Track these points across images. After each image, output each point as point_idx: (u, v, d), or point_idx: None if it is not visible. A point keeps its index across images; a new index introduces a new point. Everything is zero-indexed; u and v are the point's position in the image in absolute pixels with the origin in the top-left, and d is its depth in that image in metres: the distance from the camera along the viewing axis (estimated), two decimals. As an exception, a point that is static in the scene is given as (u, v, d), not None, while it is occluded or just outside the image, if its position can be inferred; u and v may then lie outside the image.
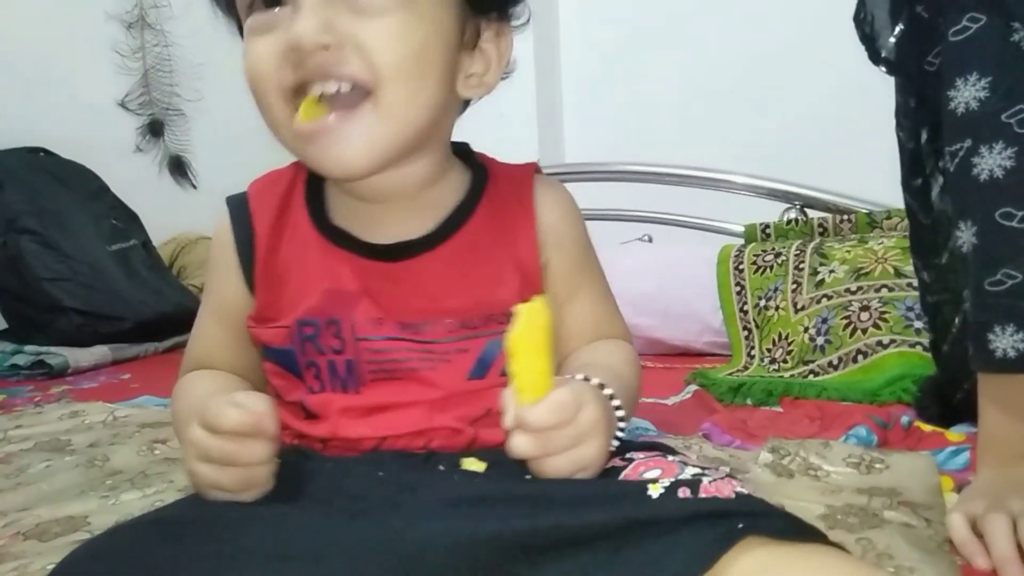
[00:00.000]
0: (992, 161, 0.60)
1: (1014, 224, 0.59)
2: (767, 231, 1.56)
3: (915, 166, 0.75)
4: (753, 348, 1.33)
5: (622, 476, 0.47)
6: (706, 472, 0.46)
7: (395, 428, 0.54)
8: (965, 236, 0.63)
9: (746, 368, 1.28)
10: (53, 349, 1.51)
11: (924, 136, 0.74)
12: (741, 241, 1.58)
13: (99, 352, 1.55)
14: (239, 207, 0.59)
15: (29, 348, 1.52)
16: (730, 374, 1.23)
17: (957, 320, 0.78)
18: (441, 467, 0.50)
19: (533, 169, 0.62)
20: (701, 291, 1.44)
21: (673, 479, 0.44)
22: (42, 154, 1.81)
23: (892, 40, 0.68)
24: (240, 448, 0.45)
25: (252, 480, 0.46)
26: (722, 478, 0.44)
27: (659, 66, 2.07)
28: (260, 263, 0.57)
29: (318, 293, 0.55)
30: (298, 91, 0.50)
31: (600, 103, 2.10)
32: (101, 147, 1.94)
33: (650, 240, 1.85)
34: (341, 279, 0.55)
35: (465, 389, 0.55)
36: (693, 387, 1.13)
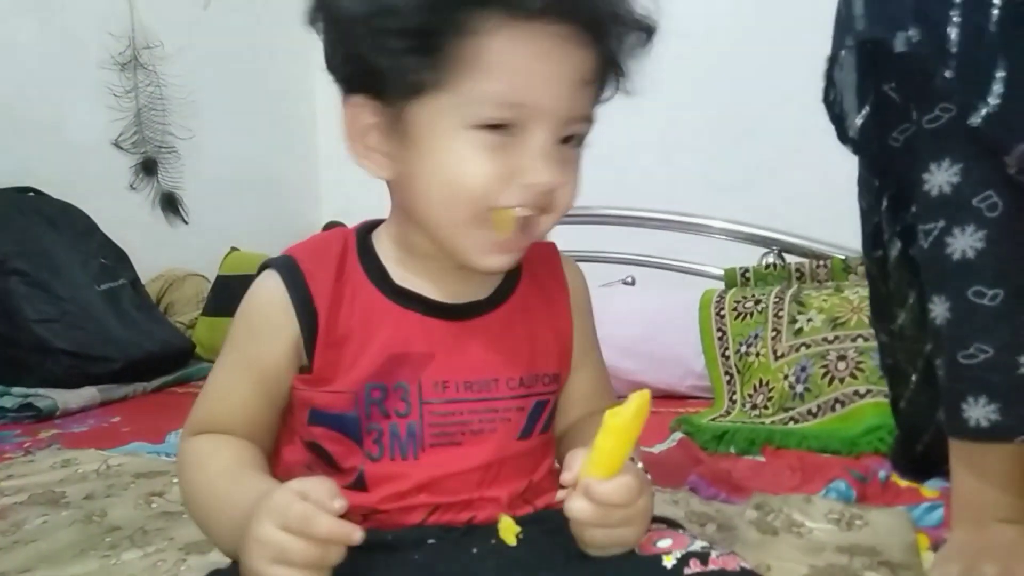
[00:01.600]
0: (964, 242, 0.64)
1: (984, 302, 0.64)
2: (747, 275, 1.61)
3: (876, 238, 0.80)
4: (735, 393, 1.37)
5: (639, 546, 0.51)
6: (712, 547, 0.50)
7: (445, 498, 0.56)
8: (938, 310, 0.67)
9: (728, 413, 1.32)
10: (41, 391, 1.50)
11: (885, 203, 0.78)
12: (722, 285, 1.62)
13: (88, 394, 1.55)
14: (291, 269, 0.58)
15: (16, 390, 1.51)
16: (713, 419, 1.27)
17: (914, 378, 0.82)
18: (475, 550, 0.53)
19: (556, 247, 0.67)
20: (684, 336, 1.48)
21: (685, 551, 0.48)
22: (31, 194, 1.82)
23: (858, 122, 0.72)
24: (327, 553, 0.46)
25: None
26: (728, 553, 0.48)
27: (639, 112, 2.12)
28: (323, 325, 0.57)
29: (385, 356, 0.57)
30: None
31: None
32: (92, 186, 1.96)
33: (632, 282, 1.89)
34: (409, 340, 0.57)
35: (514, 452, 0.58)
36: (678, 434, 1.16)
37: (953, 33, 0.62)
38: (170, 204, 2.21)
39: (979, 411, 0.64)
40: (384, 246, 0.61)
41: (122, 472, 1.06)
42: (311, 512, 0.46)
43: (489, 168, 0.52)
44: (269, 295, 0.58)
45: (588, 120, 0.55)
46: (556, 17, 0.50)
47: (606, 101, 0.58)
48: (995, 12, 0.61)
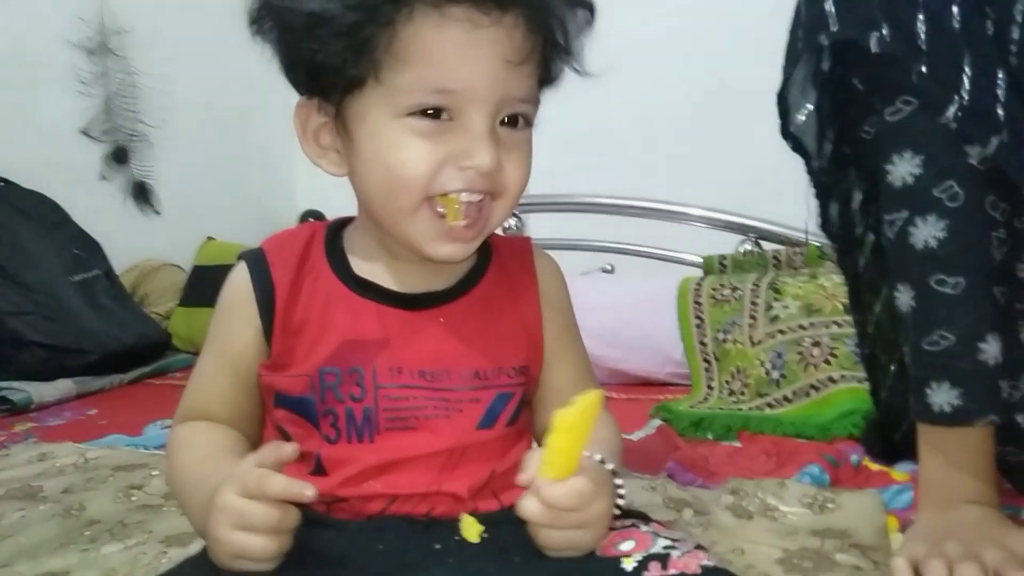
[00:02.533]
0: (926, 232, 0.66)
1: (947, 290, 0.66)
2: (724, 263, 1.63)
3: (848, 233, 0.81)
4: (712, 380, 1.39)
5: (599, 547, 0.52)
6: (676, 545, 0.50)
7: (404, 488, 0.56)
8: (903, 298, 0.69)
9: (706, 399, 1.34)
10: (15, 384, 1.48)
11: (859, 197, 0.79)
12: (700, 272, 1.64)
13: (63, 386, 1.53)
14: (257, 260, 0.61)
15: (-10, 383, 1.49)
16: (691, 406, 1.29)
17: (892, 368, 0.84)
18: (437, 545, 0.53)
19: (530, 241, 0.68)
20: (662, 324, 1.49)
21: (645, 553, 0.48)
22: (1, 184, 1.78)
23: (800, 119, 0.74)
24: (284, 514, 0.48)
25: (283, 547, 0.49)
26: (690, 551, 0.49)
27: (618, 100, 2.13)
28: (280, 312, 0.59)
29: (340, 342, 0.58)
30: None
31: (561, 136, 2.15)
32: (61, 175, 1.92)
33: (612, 270, 1.90)
34: (364, 328, 0.59)
35: (473, 440, 0.58)
36: (656, 421, 1.18)
37: (921, 31, 0.63)
38: (142, 194, 2.18)
39: (942, 396, 0.66)
40: (352, 240, 0.63)
41: (100, 465, 1.05)
42: (264, 474, 0.48)
43: (426, 154, 0.53)
44: (235, 286, 0.62)
45: (529, 101, 0.56)
46: (478, 3, 0.51)
47: (555, 81, 0.59)
48: (955, 9, 0.63)
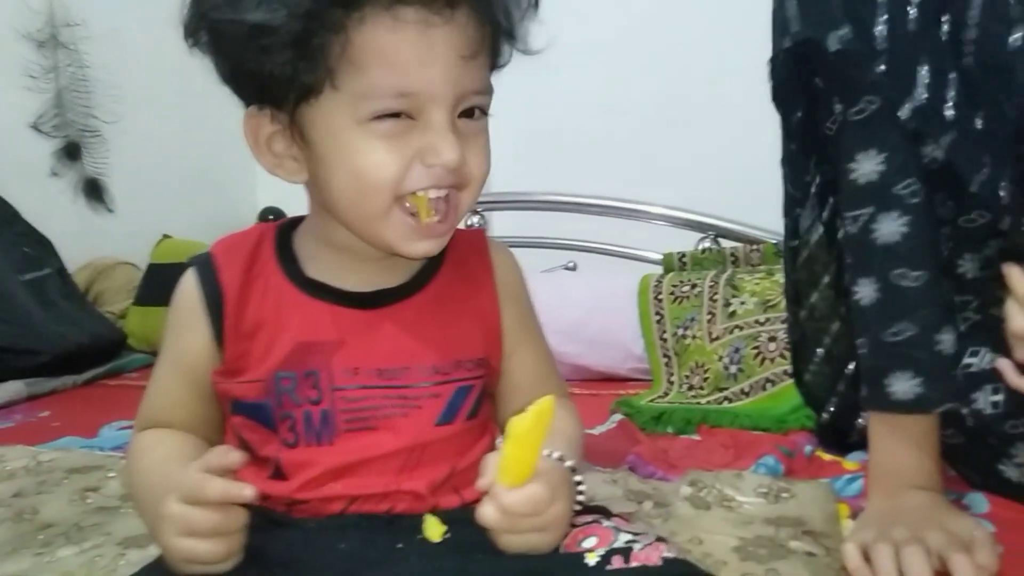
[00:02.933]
0: (889, 227, 0.68)
1: (908, 283, 0.68)
2: (684, 260, 1.66)
3: (794, 229, 0.84)
4: (673, 375, 1.41)
5: (563, 544, 0.53)
6: (637, 538, 0.51)
7: (364, 488, 0.56)
8: (864, 292, 0.71)
9: (666, 394, 1.36)
10: (-38, 386, 1.44)
11: (814, 190, 0.82)
12: (660, 269, 1.67)
13: (13, 388, 1.48)
14: (204, 266, 0.60)
15: (-65, 386, 1.44)
16: (652, 400, 1.31)
17: (819, 352, 0.89)
18: (400, 545, 0.54)
19: (485, 233, 0.69)
20: (624, 319, 1.51)
21: (608, 548, 0.50)
22: (-54, 180, 1.73)
23: (795, 121, 0.76)
24: (225, 517, 0.48)
25: (232, 549, 0.49)
26: (651, 543, 0.50)
27: (579, 99, 2.15)
28: (230, 317, 0.59)
29: (294, 344, 0.58)
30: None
31: (524, 135, 2.16)
32: (10, 171, 1.86)
33: (574, 267, 1.92)
34: (318, 329, 0.58)
35: (433, 437, 0.58)
36: (618, 416, 1.20)
37: (880, 32, 0.66)
38: (95, 191, 2.12)
39: (903, 385, 0.69)
40: (302, 241, 0.62)
41: (54, 468, 1.02)
42: (202, 479, 0.48)
43: (393, 156, 0.53)
44: (184, 292, 0.61)
45: (484, 92, 0.57)
46: (429, 3, 0.52)
47: (504, 66, 0.60)
48: (912, 12, 0.65)
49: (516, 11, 0.57)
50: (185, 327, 0.60)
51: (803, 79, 0.74)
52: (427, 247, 0.57)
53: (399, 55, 0.52)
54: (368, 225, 0.56)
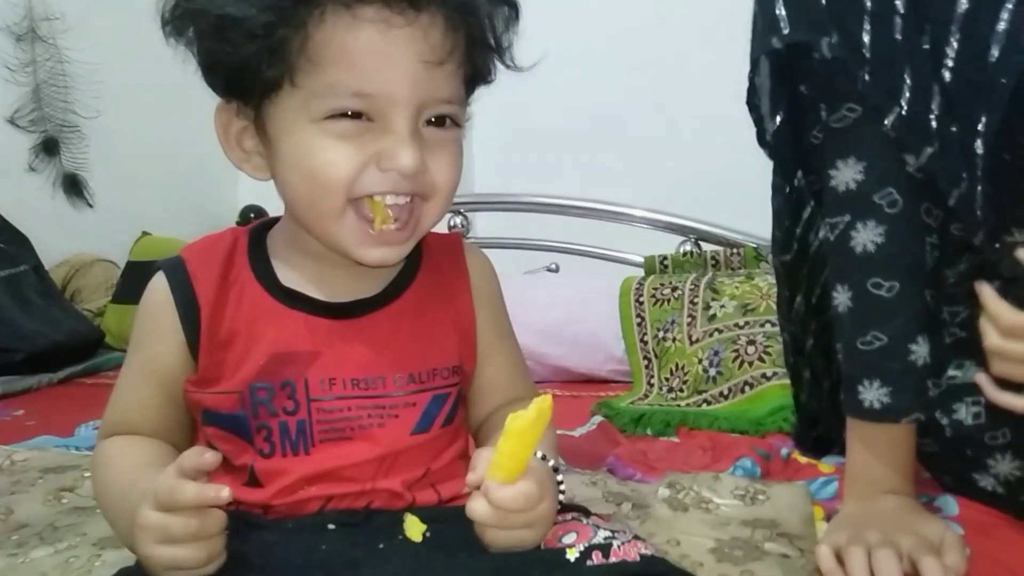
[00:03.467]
0: (866, 236, 0.69)
1: (882, 293, 0.69)
2: (665, 262, 1.67)
3: (787, 240, 0.84)
4: (653, 377, 1.42)
5: (543, 541, 0.53)
6: (616, 535, 0.52)
7: (339, 490, 0.56)
8: (840, 298, 0.72)
9: (646, 396, 1.37)
10: (-65, 384, 1.42)
11: (812, 202, 0.82)
12: (642, 272, 1.68)
13: (-13, 386, 1.47)
14: (176, 270, 0.59)
15: (-93, 384, 1.42)
16: (632, 402, 1.32)
17: (807, 375, 0.89)
18: (381, 545, 0.54)
19: (461, 237, 0.68)
20: (605, 321, 1.52)
21: (587, 543, 0.50)
22: (-81, 174, 1.70)
23: (772, 127, 0.76)
24: (203, 522, 0.47)
25: (213, 552, 0.48)
26: (629, 541, 0.51)
27: (563, 102, 2.16)
28: (205, 326, 0.58)
29: (269, 355, 0.57)
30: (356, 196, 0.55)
31: (507, 137, 2.16)
32: (-14, 166, 1.84)
33: (556, 269, 1.93)
34: (294, 340, 0.57)
35: (408, 445, 0.58)
36: (598, 418, 1.20)
37: (866, 39, 0.65)
38: (73, 187, 2.10)
39: (873, 393, 0.70)
40: (276, 246, 0.62)
41: (28, 467, 1.01)
42: (176, 484, 0.47)
43: (347, 156, 0.53)
44: (155, 297, 0.59)
45: (454, 102, 0.56)
46: (391, 3, 0.51)
47: (488, 79, 0.59)
48: (898, 21, 0.65)
49: (496, 21, 0.56)
50: (156, 333, 0.59)
51: (784, 84, 0.73)
52: (382, 255, 0.56)
53: (357, 54, 0.51)
54: (323, 227, 0.55)
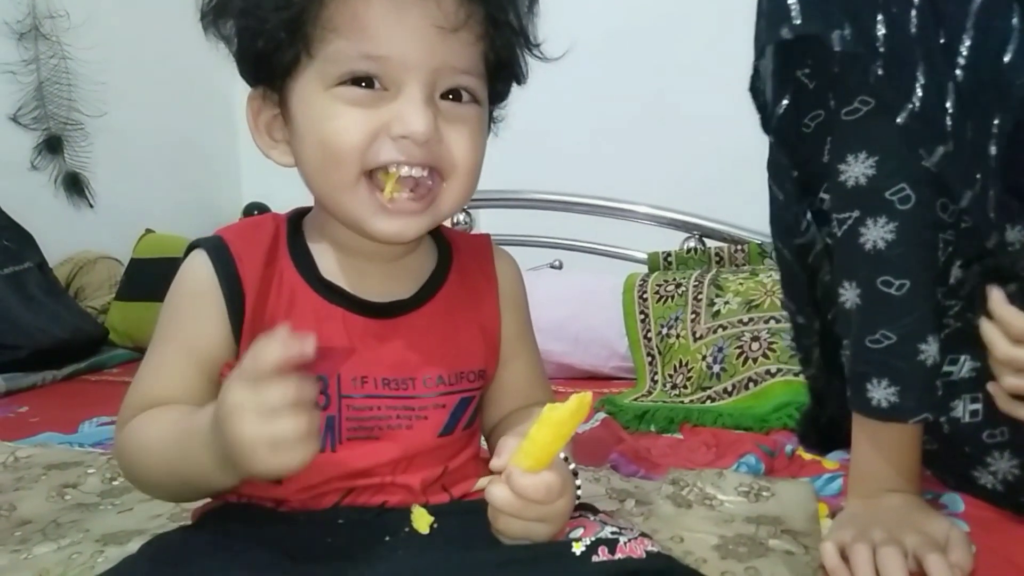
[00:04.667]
0: (876, 233, 0.67)
1: (892, 291, 0.68)
2: (669, 259, 1.66)
3: (796, 225, 0.83)
4: (656, 373, 1.42)
5: None
6: (622, 532, 0.52)
7: (358, 482, 0.56)
8: (849, 295, 0.71)
9: (650, 393, 1.36)
10: (-61, 381, 1.42)
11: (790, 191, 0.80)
12: (645, 269, 1.67)
13: (-10, 383, 1.47)
14: (219, 251, 0.57)
15: (-88, 381, 1.43)
16: (635, 399, 1.31)
17: (815, 355, 0.86)
18: (388, 538, 0.53)
19: (490, 240, 0.67)
20: (608, 318, 1.52)
21: (594, 537, 0.50)
22: (-76, 171, 1.70)
23: (779, 112, 0.74)
24: (301, 387, 0.45)
25: (313, 427, 0.45)
26: (636, 538, 0.51)
27: (568, 98, 2.15)
28: (249, 312, 0.56)
29: None
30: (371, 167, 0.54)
31: (511, 133, 2.16)
32: (-11, 164, 1.84)
33: (560, 266, 1.92)
34: (329, 335, 0.57)
35: (432, 446, 0.58)
36: (601, 414, 1.20)
37: (880, 33, 0.64)
38: (76, 185, 2.10)
39: (881, 392, 0.69)
40: (312, 236, 0.61)
41: (32, 464, 1.01)
42: (257, 350, 0.45)
43: (358, 122, 0.52)
44: (198, 276, 0.57)
45: (471, 73, 0.55)
46: None
47: (510, 64, 0.57)
48: (913, 14, 0.64)
49: (518, 3, 0.55)
50: (200, 313, 0.57)
51: (791, 68, 0.72)
52: (397, 227, 0.54)
53: (368, 18, 0.51)
54: (335, 197, 0.55)
